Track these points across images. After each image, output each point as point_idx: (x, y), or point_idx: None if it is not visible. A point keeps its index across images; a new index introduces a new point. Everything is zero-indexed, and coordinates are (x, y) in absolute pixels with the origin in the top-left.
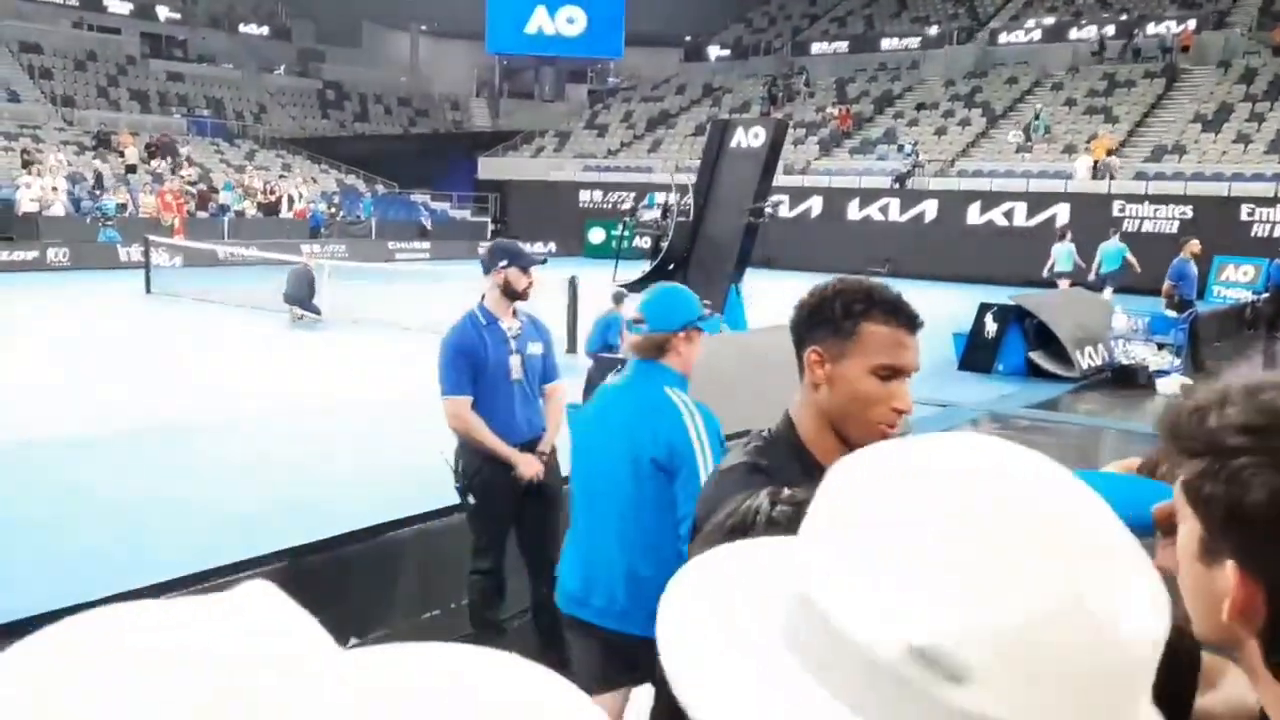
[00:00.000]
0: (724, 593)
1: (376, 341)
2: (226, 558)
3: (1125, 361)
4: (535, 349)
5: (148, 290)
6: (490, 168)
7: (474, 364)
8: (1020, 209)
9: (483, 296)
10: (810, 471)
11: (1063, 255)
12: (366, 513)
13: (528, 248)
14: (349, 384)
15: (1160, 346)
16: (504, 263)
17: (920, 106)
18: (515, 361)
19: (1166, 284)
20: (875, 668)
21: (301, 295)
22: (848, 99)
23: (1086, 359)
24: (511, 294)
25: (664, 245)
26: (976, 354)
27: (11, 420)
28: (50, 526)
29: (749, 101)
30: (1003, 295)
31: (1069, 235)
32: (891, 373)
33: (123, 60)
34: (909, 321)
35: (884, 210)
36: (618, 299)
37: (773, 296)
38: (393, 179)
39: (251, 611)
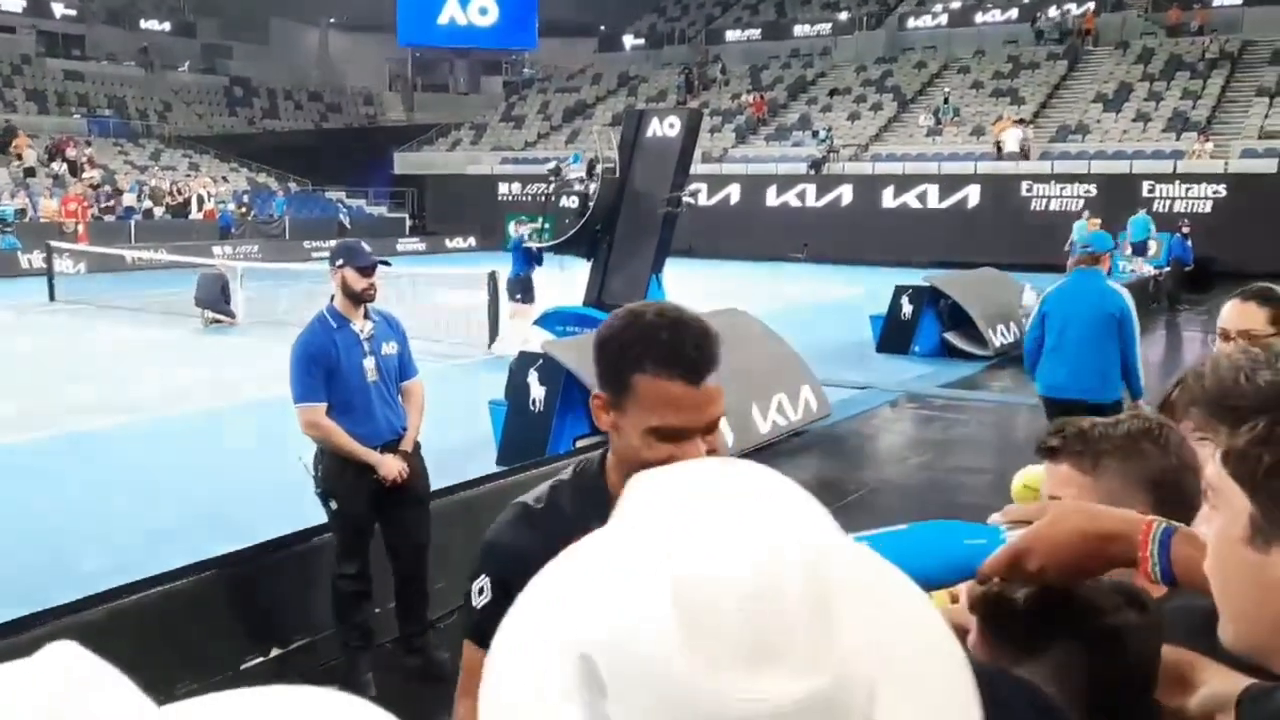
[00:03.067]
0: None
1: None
2: (139, 573)
3: None
4: (390, 348)
5: (51, 298)
6: (406, 162)
7: (326, 369)
8: (933, 191)
9: (332, 298)
10: (604, 514)
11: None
12: (284, 519)
13: (367, 246)
14: (264, 388)
15: None
16: (339, 262)
17: (833, 92)
18: (370, 364)
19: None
20: (571, 662)
21: (213, 298)
22: (762, 86)
23: (999, 337)
24: (351, 295)
25: (591, 204)
26: (893, 335)
27: None
28: None
29: (665, 90)
30: (918, 277)
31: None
32: (674, 434)
33: (17, 60)
34: (689, 371)
35: (801, 196)
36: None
37: (694, 285)
38: (305, 176)
39: (53, 678)
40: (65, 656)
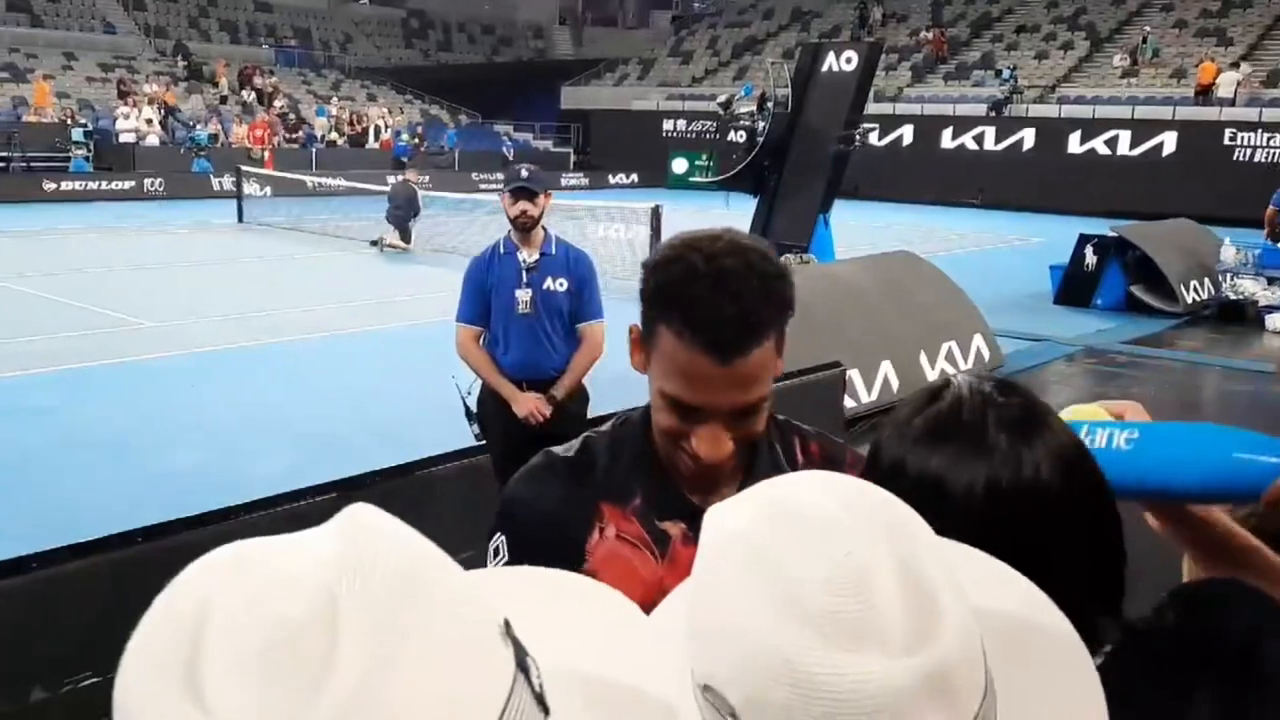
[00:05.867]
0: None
1: (460, 271)
2: (314, 478)
3: (1233, 296)
4: (556, 284)
5: (240, 220)
6: (573, 97)
7: (484, 294)
8: (1124, 137)
9: None
10: (642, 469)
11: None
12: (447, 438)
13: (524, 170)
14: (434, 312)
15: (1270, 281)
16: (500, 189)
17: (1020, 29)
18: (524, 296)
19: (1270, 209)
20: (700, 690)
21: (404, 216)
22: (943, 22)
23: (1191, 293)
24: (510, 221)
25: (760, 140)
26: (1074, 287)
27: (113, 345)
28: (153, 445)
29: (839, 26)
30: (1104, 227)
31: None
32: (686, 409)
33: None
34: (715, 345)
35: (979, 139)
36: None
37: (863, 227)
38: (475, 109)
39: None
40: (369, 513)
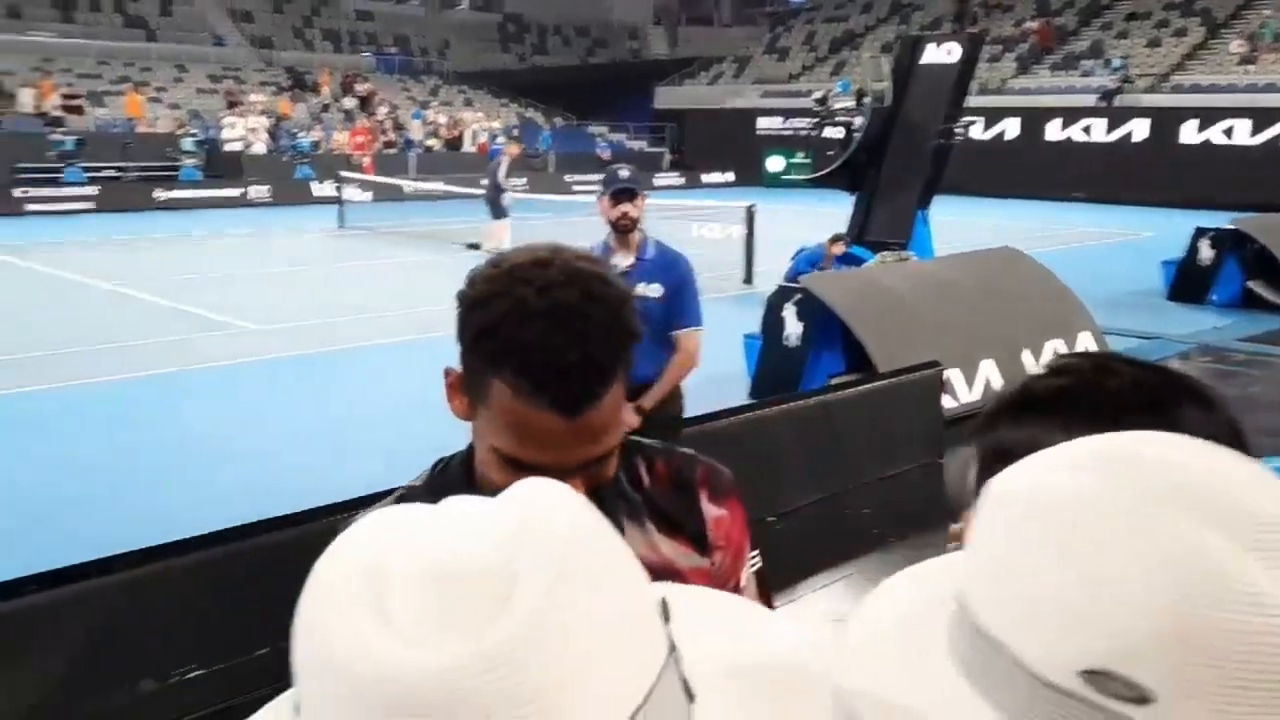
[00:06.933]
0: (909, 599)
1: None
2: (407, 479)
3: None
4: (650, 290)
5: (340, 224)
6: (667, 97)
7: None
8: (1242, 127)
9: None
10: None
11: None
12: None
13: (625, 172)
14: None
15: None
16: (599, 192)
17: (1131, 16)
18: None
19: None
20: (1041, 685)
21: (493, 192)
22: (1049, 11)
23: None
24: (610, 224)
25: (857, 136)
26: (1188, 282)
27: (217, 349)
28: (254, 446)
29: (940, 18)
30: (1221, 220)
31: None
32: (530, 470)
33: (316, 1)
34: (560, 401)
35: (1087, 130)
36: (837, 239)
37: (963, 223)
38: (570, 111)
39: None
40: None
